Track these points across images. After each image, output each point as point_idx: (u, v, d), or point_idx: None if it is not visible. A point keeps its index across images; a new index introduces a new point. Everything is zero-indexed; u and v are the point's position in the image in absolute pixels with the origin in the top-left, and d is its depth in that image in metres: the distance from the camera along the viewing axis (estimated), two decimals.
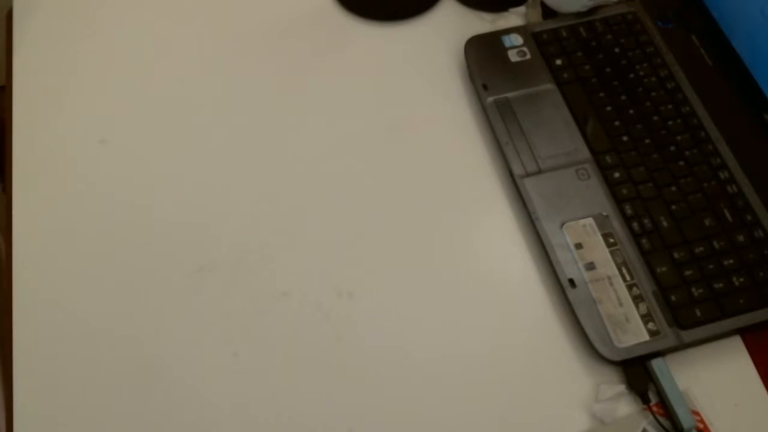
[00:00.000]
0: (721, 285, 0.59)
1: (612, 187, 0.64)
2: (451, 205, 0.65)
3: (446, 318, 0.60)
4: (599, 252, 0.61)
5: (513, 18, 0.75)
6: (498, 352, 0.59)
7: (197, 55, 0.73)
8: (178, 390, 0.57)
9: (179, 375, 0.57)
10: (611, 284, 0.59)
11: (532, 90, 0.69)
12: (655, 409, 0.56)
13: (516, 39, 0.72)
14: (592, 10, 0.73)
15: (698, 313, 0.58)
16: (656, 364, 0.57)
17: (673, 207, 0.63)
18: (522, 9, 0.75)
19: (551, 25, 0.73)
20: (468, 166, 0.67)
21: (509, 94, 0.68)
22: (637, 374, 0.57)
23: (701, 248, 0.61)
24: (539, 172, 0.64)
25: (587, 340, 0.57)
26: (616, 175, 0.64)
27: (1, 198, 0.65)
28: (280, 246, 0.63)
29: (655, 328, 0.57)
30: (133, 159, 0.67)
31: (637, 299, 0.59)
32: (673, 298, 0.58)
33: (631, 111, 0.67)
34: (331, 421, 0.56)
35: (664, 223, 0.62)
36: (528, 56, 0.71)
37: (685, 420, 0.55)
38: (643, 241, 0.61)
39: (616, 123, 0.67)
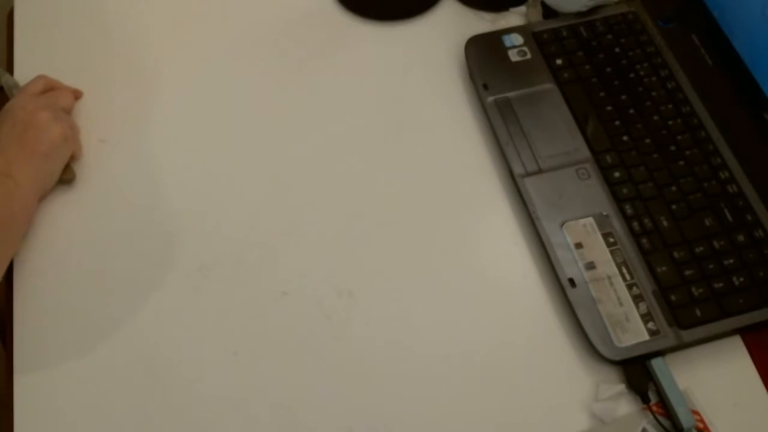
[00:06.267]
0: (721, 285, 0.59)
1: (612, 187, 0.64)
2: (451, 204, 0.65)
3: (446, 317, 0.60)
4: (599, 252, 0.61)
5: (513, 18, 0.75)
6: (497, 352, 0.59)
7: (198, 55, 0.73)
8: (178, 389, 0.57)
9: (179, 374, 0.57)
10: (611, 284, 0.59)
11: (532, 90, 0.69)
12: (654, 408, 0.56)
13: (516, 39, 0.72)
14: (593, 10, 0.73)
15: (698, 312, 0.58)
16: (656, 363, 0.57)
17: (673, 207, 0.63)
18: (522, 9, 0.75)
19: (552, 24, 0.73)
20: (468, 166, 0.67)
21: (509, 94, 0.68)
22: (637, 374, 0.57)
23: (701, 248, 0.61)
24: (539, 171, 0.64)
25: (587, 340, 0.57)
26: (617, 174, 0.64)
27: None
28: (280, 245, 0.63)
29: (655, 328, 0.57)
30: (133, 159, 0.67)
31: (637, 299, 0.59)
32: (673, 297, 0.58)
33: (631, 111, 0.67)
34: (330, 420, 0.56)
35: (664, 223, 0.62)
36: (528, 56, 0.71)
37: (685, 420, 0.55)
38: (643, 240, 0.61)
39: (617, 123, 0.67)
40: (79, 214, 0.64)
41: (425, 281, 0.62)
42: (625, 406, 0.57)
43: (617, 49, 0.71)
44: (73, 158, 0.65)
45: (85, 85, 0.70)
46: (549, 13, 0.74)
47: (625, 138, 0.66)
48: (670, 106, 0.68)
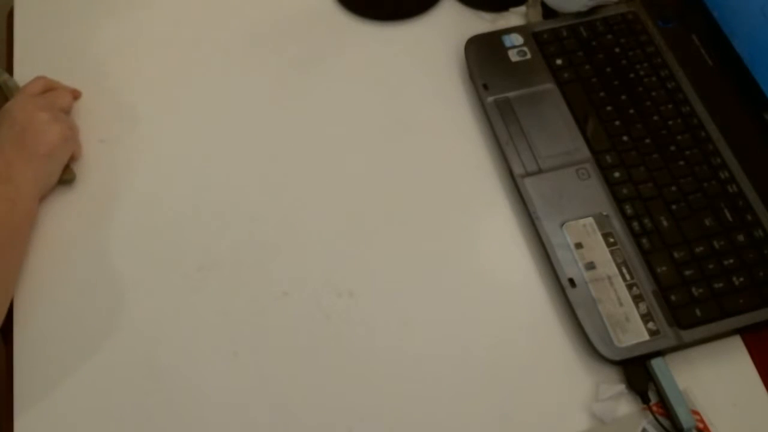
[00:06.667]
0: (721, 285, 0.59)
1: (612, 187, 0.64)
2: (451, 204, 0.65)
3: (446, 317, 0.60)
4: (599, 252, 0.61)
5: (513, 18, 0.75)
6: (498, 352, 0.59)
7: (198, 56, 0.73)
8: (178, 389, 0.57)
9: (179, 374, 0.57)
10: (611, 284, 0.59)
11: (532, 90, 0.69)
12: (654, 408, 0.56)
13: (516, 39, 0.72)
14: (593, 10, 0.73)
15: (698, 312, 0.58)
16: (656, 363, 0.57)
17: (673, 207, 0.63)
18: (522, 9, 0.75)
19: (552, 24, 0.73)
20: (468, 166, 0.67)
21: (509, 94, 0.68)
22: (637, 374, 0.57)
23: (701, 248, 0.61)
24: (539, 171, 0.64)
25: (587, 340, 0.57)
26: (617, 174, 0.64)
27: None
28: (280, 246, 0.63)
29: (655, 328, 0.57)
30: (133, 159, 0.67)
31: (637, 299, 0.59)
32: (673, 297, 0.58)
33: (631, 111, 0.67)
34: (330, 421, 0.56)
35: (664, 223, 0.62)
36: (528, 56, 0.71)
37: (685, 420, 0.55)
38: (643, 240, 0.61)
39: (617, 123, 0.67)
40: (79, 214, 0.64)
41: (425, 281, 0.62)
42: (625, 406, 0.57)
43: (617, 49, 0.71)
44: (72, 158, 0.65)
45: (85, 85, 0.70)
46: (549, 13, 0.74)
47: (625, 138, 0.66)
48: (670, 106, 0.68)
